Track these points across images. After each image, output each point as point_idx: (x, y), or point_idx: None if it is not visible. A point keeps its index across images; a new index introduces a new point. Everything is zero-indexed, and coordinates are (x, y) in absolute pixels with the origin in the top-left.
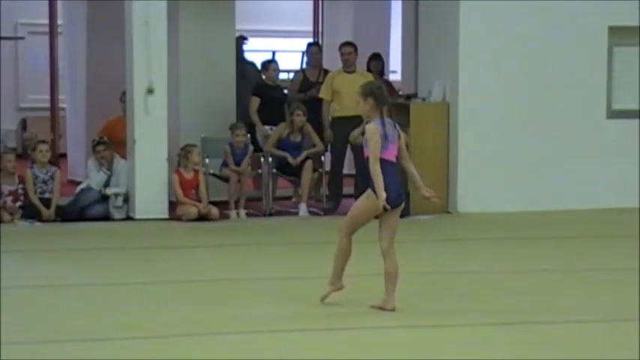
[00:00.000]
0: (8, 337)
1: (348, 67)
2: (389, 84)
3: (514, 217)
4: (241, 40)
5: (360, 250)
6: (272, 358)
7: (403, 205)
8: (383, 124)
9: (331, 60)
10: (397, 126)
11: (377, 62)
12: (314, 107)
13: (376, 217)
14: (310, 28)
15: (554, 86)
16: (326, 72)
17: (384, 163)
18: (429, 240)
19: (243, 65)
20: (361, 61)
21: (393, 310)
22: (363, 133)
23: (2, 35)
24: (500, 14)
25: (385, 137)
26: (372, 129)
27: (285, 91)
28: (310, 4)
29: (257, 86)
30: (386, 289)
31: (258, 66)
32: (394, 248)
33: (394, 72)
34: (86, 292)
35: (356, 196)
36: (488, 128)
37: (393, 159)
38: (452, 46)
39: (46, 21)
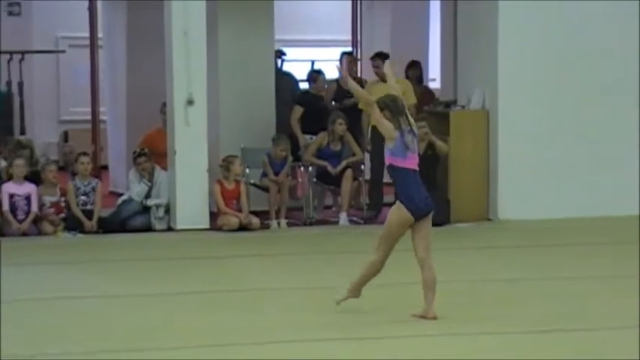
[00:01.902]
0: (50, 348)
1: (382, 78)
2: (428, 91)
3: (554, 224)
4: (279, 54)
5: (398, 258)
6: None
7: (432, 212)
8: (402, 135)
9: (371, 68)
10: (414, 128)
11: (415, 70)
12: (349, 116)
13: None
14: (349, 37)
15: (595, 92)
16: (360, 81)
17: (406, 172)
18: (469, 248)
19: (278, 78)
20: (400, 69)
21: (434, 318)
22: None
23: (43, 49)
24: (540, 21)
25: (406, 147)
26: (390, 127)
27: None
28: (348, 14)
29: (301, 96)
30: (425, 298)
31: (295, 76)
32: (431, 256)
33: (433, 80)
34: (128, 303)
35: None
36: (528, 135)
37: (415, 167)
38: (491, 53)
39: (87, 34)
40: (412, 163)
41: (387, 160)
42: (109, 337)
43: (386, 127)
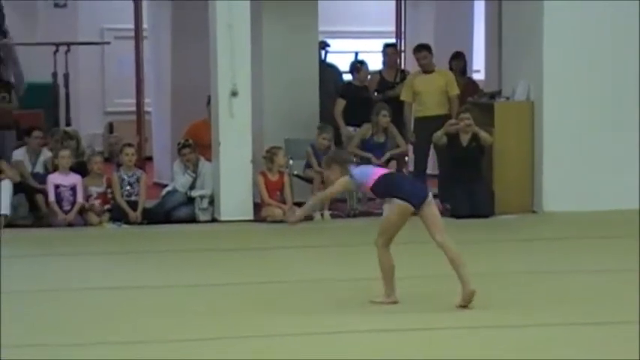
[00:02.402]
0: (93, 337)
1: (425, 69)
2: (472, 82)
3: (599, 216)
4: (323, 45)
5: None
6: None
7: (431, 196)
8: (352, 175)
9: (414, 60)
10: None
11: (458, 61)
12: (392, 107)
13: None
14: (392, 28)
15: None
16: (402, 72)
17: (383, 180)
18: (513, 240)
19: (322, 69)
20: (443, 60)
21: (473, 292)
22: (446, 134)
23: (89, 41)
24: (585, 11)
25: (364, 174)
26: (343, 182)
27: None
28: (393, 5)
29: (343, 88)
30: (459, 277)
31: (339, 68)
32: (448, 238)
33: (477, 71)
34: (171, 294)
35: (440, 196)
36: (573, 126)
37: (386, 170)
38: (536, 44)
39: (132, 26)
40: (379, 171)
41: (367, 189)
42: (151, 327)
43: (344, 184)
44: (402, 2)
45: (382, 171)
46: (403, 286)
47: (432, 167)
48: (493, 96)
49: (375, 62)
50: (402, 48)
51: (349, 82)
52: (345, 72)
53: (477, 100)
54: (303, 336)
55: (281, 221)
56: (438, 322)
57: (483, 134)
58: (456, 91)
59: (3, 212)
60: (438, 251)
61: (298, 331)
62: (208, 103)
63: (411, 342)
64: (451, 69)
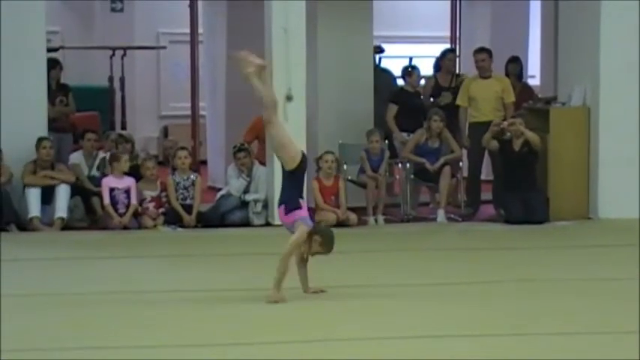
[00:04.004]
0: (148, 340)
1: (483, 73)
2: (527, 87)
3: None
4: (378, 50)
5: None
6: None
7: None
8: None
9: (469, 65)
10: None
11: (514, 65)
12: (447, 113)
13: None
14: (447, 33)
15: None
16: (457, 77)
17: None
18: (568, 247)
19: (376, 74)
20: (499, 64)
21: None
22: (494, 137)
23: (144, 45)
24: None
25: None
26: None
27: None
28: (447, 9)
29: (395, 93)
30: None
31: (394, 72)
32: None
33: (533, 76)
34: (225, 297)
35: (494, 202)
36: (630, 132)
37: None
38: (593, 49)
39: (187, 30)
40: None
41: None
42: (204, 330)
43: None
44: (457, 6)
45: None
46: (453, 292)
47: (486, 173)
48: (549, 101)
49: (429, 67)
50: (458, 53)
51: (401, 88)
52: (399, 77)
53: (533, 106)
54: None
55: (335, 226)
56: (486, 329)
57: (530, 134)
58: (512, 98)
59: (60, 215)
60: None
61: (349, 337)
62: None
63: (468, 348)
64: (507, 73)
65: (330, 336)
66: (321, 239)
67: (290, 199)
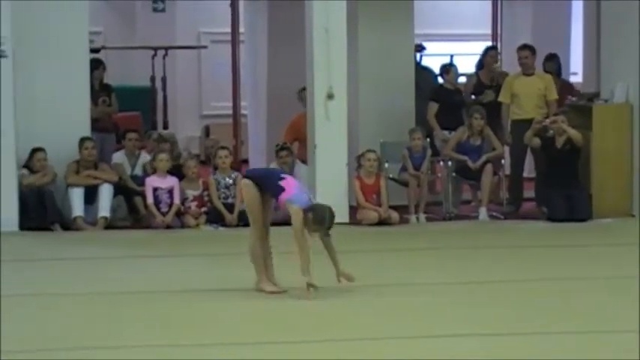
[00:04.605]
0: (192, 338)
1: (526, 70)
2: (567, 84)
3: None
4: (419, 48)
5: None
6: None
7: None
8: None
9: (510, 62)
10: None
11: (552, 63)
12: (489, 110)
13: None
14: (489, 31)
15: None
16: (500, 74)
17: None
18: (611, 244)
19: (417, 72)
20: (539, 62)
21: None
22: (536, 134)
23: (186, 44)
24: None
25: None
26: (297, 213)
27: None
28: (489, 7)
29: (435, 91)
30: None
31: (435, 70)
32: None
33: (575, 74)
34: (269, 295)
35: (537, 199)
36: None
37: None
38: (635, 46)
39: (228, 30)
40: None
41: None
42: (247, 327)
43: (298, 214)
44: (499, 4)
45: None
46: (494, 290)
47: (528, 170)
48: (591, 98)
49: (471, 65)
50: (499, 50)
51: (440, 85)
52: (440, 75)
53: (576, 103)
54: (413, 339)
55: (377, 224)
56: (516, 328)
57: (572, 132)
58: (554, 96)
59: (103, 214)
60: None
61: (402, 335)
62: (300, 97)
63: (501, 346)
64: (545, 71)
65: (369, 335)
66: (313, 217)
67: (273, 188)
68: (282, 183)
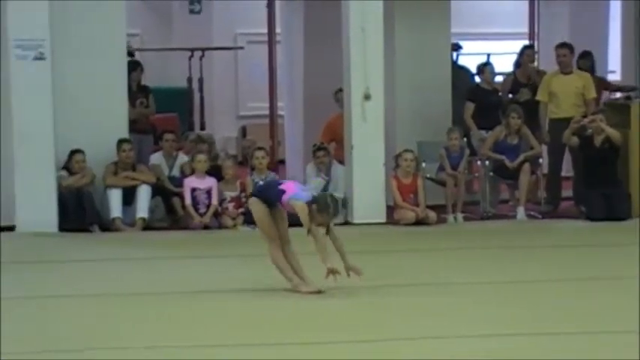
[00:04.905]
0: (232, 338)
1: (564, 68)
2: (602, 80)
3: None
4: (455, 48)
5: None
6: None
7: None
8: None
9: (547, 61)
10: None
11: (586, 60)
12: (526, 109)
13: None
14: (526, 29)
15: None
16: (537, 73)
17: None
18: None
19: (454, 72)
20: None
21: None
22: (574, 133)
23: (222, 46)
24: None
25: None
26: (302, 208)
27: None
28: (526, 6)
29: (471, 91)
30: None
31: (471, 70)
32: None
33: (613, 72)
34: (305, 295)
35: (575, 198)
36: None
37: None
38: None
39: (265, 30)
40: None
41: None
42: (282, 327)
43: (303, 209)
44: (536, 3)
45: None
46: (530, 289)
47: (566, 169)
48: (629, 97)
49: (508, 64)
50: (536, 49)
51: (477, 85)
52: (476, 74)
53: (614, 102)
54: (449, 339)
55: (414, 224)
56: (551, 328)
57: (611, 131)
58: (593, 94)
59: (141, 215)
60: None
61: (435, 335)
62: (336, 99)
63: (533, 346)
64: (579, 68)
65: (396, 335)
66: (317, 207)
67: (276, 194)
68: (282, 187)
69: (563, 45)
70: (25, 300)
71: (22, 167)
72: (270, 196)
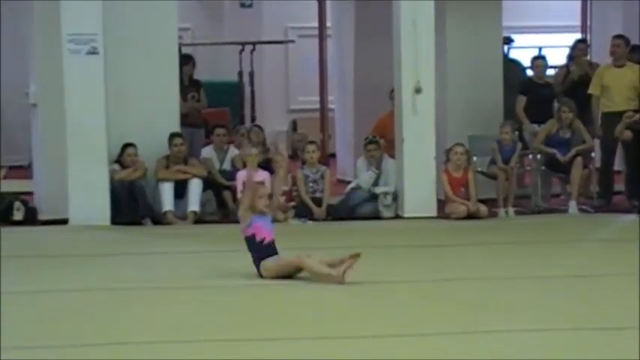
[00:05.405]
0: (286, 332)
1: (617, 60)
2: None
3: None
4: (507, 41)
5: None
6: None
7: None
8: None
9: (600, 55)
10: None
11: (635, 54)
12: (579, 103)
13: None
14: (578, 22)
15: None
16: (590, 66)
17: None
18: None
19: (505, 65)
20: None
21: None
22: (627, 127)
23: (273, 39)
24: None
25: None
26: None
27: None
28: None
29: (524, 84)
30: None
31: (523, 63)
32: None
33: None
34: (353, 289)
35: (627, 193)
36: None
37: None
38: None
39: (315, 24)
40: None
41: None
42: (323, 324)
43: None
44: None
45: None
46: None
47: (618, 163)
48: None
49: (560, 57)
50: (588, 42)
51: (529, 78)
52: (529, 67)
53: None
54: (494, 333)
55: (465, 218)
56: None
57: None
58: None
59: (192, 209)
60: None
61: (460, 330)
62: (391, 97)
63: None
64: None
65: (456, 329)
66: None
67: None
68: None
69: (619, 36)
70: (79, 292)
71: (75, 161)
72: (261, 253)
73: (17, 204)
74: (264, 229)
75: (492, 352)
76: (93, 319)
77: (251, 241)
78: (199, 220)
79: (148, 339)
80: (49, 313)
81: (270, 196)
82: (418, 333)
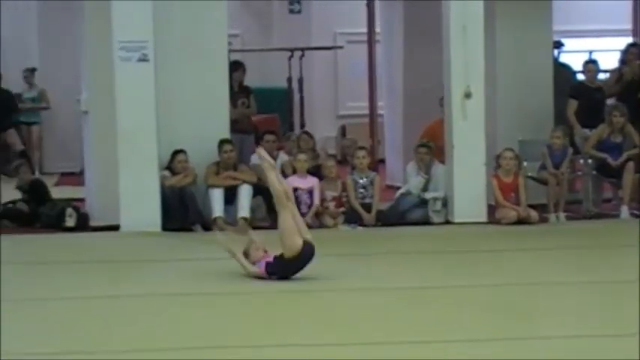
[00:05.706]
0: (329, 337)
1: None
2: None
3: None
4: (557, 45)
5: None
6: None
7: None
8: None
9: None
10: None
11: None
12: (630, 107)
13: None
14: (628, 26)
15: None
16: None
17: None
18: None
19: (556, 69)
20: None
21: None
22: None
23: (322, 45)
24: None
25: None
26: None
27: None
28: (629, 2)
29: (574, 88)
30: None
31: (573, 67)
32: None
33: None
34: (402, 295)
35: None
36: None
37: None
38: None
39: (364, 30)
40: None
41: None
42: (371, 328)
43: None
44: None
45: None
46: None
47: None
48: None
49: (611, 61)
50: None
51: (580, 82)
52: (579, 72)
53: None
54: (543, 340)
55: (516, 223)
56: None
57: None
58: None
59: (242, 215)
60: None
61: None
62: (441, 104)
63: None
64: None
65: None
66: None
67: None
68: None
69: None
70: (129, 298)
71: (126, 167)
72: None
73: (69, 210)
74: (266, 256)
75: (541, 357)
76: (143, 324)
77: (274, 265)
78: (249, 225)
79: (196, 344)
80: (99, 319)
81: (265, 250)
82: (467, 339)
